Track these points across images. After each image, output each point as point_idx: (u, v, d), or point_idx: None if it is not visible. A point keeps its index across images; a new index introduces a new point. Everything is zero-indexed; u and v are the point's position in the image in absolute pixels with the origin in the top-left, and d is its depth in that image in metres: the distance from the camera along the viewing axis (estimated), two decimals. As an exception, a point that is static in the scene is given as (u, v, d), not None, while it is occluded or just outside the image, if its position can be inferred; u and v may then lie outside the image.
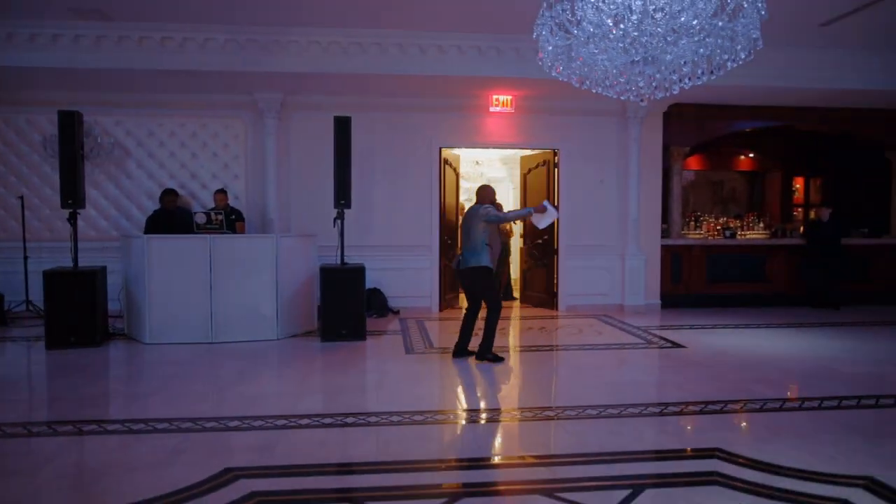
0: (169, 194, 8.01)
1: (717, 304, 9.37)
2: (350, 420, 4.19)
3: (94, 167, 8.25)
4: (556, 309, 9.02)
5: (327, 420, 4.19)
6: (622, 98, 5.27)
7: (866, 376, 5.33)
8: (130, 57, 7.17)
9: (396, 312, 8.69)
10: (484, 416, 4.39)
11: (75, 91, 8.03)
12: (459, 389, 5.08)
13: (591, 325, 7.92)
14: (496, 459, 3.57)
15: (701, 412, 4.39)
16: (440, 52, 7.49)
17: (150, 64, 7.21)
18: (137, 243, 6.71)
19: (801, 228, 10.37)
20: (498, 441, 3.92)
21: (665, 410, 4.42)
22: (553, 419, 4.21)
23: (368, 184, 8.58)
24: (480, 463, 3.48)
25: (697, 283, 9.48)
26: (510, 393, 5.04)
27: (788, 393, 4.96)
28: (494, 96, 8.64)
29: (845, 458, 3.48)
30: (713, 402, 4.56)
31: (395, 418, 4.21)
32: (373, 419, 4.21)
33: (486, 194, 5.97)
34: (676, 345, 6.66)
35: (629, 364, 6.04)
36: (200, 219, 7.03)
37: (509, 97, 8.66)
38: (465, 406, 4.65)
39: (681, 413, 4.38)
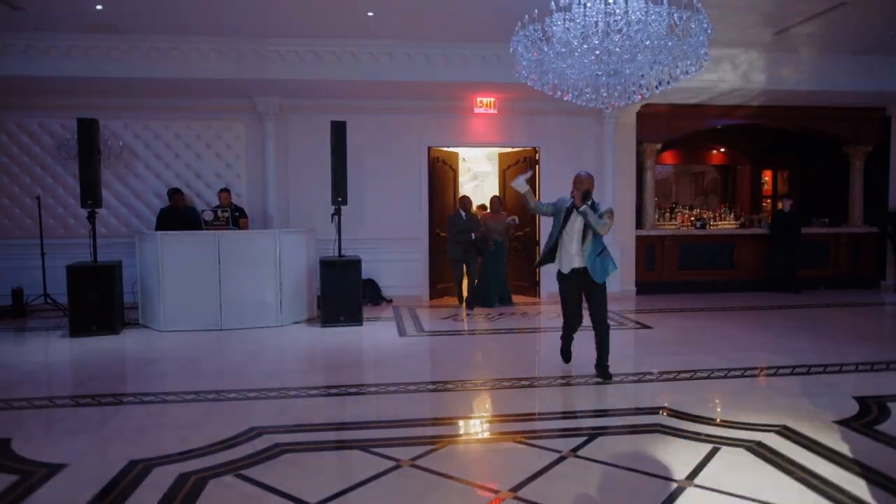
0: (178, 193, 8.59)
1: (689, 290, 10.08)
2: (353, 390, 4.84)
3: (104, 168, 8.77)
4: (538, 297, 9.68)
5: (333, 391, 4.84)
6: (590, 106, 5.95)
7: (805, 350, 6.03)
8: (139, 67, 7.73)
9: (389, 301, 9.33)
10: (469, 385, 5.05)
11: (86, 97, 8.56)
12: (448, 365, 5.74)
13: (570, 310, 8.60)
14: (477, 417, 4.24)
15: (656, 380, 5.08)
16: (427, 60, 8.11)
17: (157, 73, 7.78)
18: (151, 239, 7.32)
19: (769, 218, 11.10)
20: (480, 404, 4.59)
21: (625, 379, 5.11)
22: (527, 387, 4.89)
23: (362, 181, 9.19)
24: (463, 419, 4.14)
25: (670, 270, 10.18)
26: (492, 367, 5.72)
27: (734, 365, 5.67)
28: (479, 98, 9.27)
29: (769, 412, 4.18)
30: (668, 372, 5.26)
31: (391, 388, 4.87)
32: (371, 389, 4.87)
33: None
34: (645, 326, 7.37)
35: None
36: (208, 216, 7.65)
37: (493, 99, 9.30)
38: (452, 378, 5.32)
39: (638, 381, 5.07)
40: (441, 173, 9.75)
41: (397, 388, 4.87)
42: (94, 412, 4.37)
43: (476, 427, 4.13)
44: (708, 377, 5.15)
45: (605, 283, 5.06)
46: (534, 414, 4.19)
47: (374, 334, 7.04)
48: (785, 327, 7.26)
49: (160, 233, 7.32)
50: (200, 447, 3.61)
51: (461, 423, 4.13)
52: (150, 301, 7.45)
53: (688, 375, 5.18)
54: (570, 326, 5.38)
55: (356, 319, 7.46)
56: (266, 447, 3.62)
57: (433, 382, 5.07)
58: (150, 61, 7.73)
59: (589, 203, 5.02)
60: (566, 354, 5.48)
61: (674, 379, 5.10)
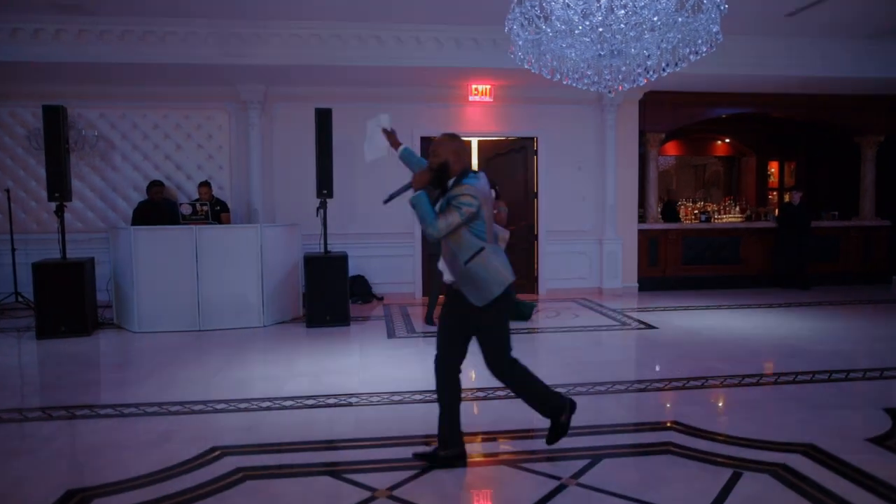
0: (155, 185, 8.13)
1: (693, 287, 9.67)
2: (332, 401, 4.42)
3: (78, 160, 8.35)
4: (536, 293, 9.26)
5: (310, 402, 4.41)
6: (591, 90, 5.50)
7: (824, 353, 5.61)
8: (112, 51, 7.27)
9: (380, 299, 8.90)
10: (460, 395, 4.62)
11: (58, 84, 8.10)
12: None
13: (570, 308, 8.18)
14: (466, 434, 3.81)
15: (663, 389, 4.66)
16: (418, 43, 7.65)
17: (131, 58, 7.32)
18: (124, 235, 6.87)
19: (776, 212, 10.67)
20: (471, 418, 4.16)
21: (630, 388, 4.69)
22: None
23: (351, 173, 8.73)
24: (453, 438, 3.71)
25: (673, 266, 9.76)
26: (485, 374, 5.27)
27: (748, 370, 5.24)
28: (473, 86, 8.81)
29: (792, 428, 3.76)
30: (676, 380, 4.84)
31: (374, 399, 4.44)
32: (353, 400, 4.44)
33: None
34: (649, 326, 6.94)
35: (603, 345, 6.31)
36: (186, 210, 7.20)
37: (488, 87, 8.84)
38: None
39: (644, 390, 4.64)
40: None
41: (381, 399, 4.45)
42: (42, 427, 3.94)
43: (466, 449, 3.70)
44: (721, 385, 4.73)
45: (492, 309, 3.18)
46: (530, 431, 3.77)
47: (362, 336, 6.60)
48: (799, 328, 6.83)
49: (133, 227, 6.87)
50: (151, 472, 3.18)
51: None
52: (124, 300, 7.01)
53: (698, 383, 4.76)
54: (441, 374, 3.33)
55: (343, 320, 7.03)
56: (226, 472, 3.20)
57: (420, 392, 4.64)
58: (124, 45, 7.26)
59: (450, 184, 3.23)
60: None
61: (683, 387, 4.68)
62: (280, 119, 8.71)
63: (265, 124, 8.69)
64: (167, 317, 6.81)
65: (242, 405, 4.30)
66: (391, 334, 6.66)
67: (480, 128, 9.17)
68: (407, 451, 3.44)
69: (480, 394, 4.50)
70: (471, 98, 8.91)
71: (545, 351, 6.03)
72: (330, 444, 3.65)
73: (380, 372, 5.21)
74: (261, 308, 7.08)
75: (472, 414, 4.22)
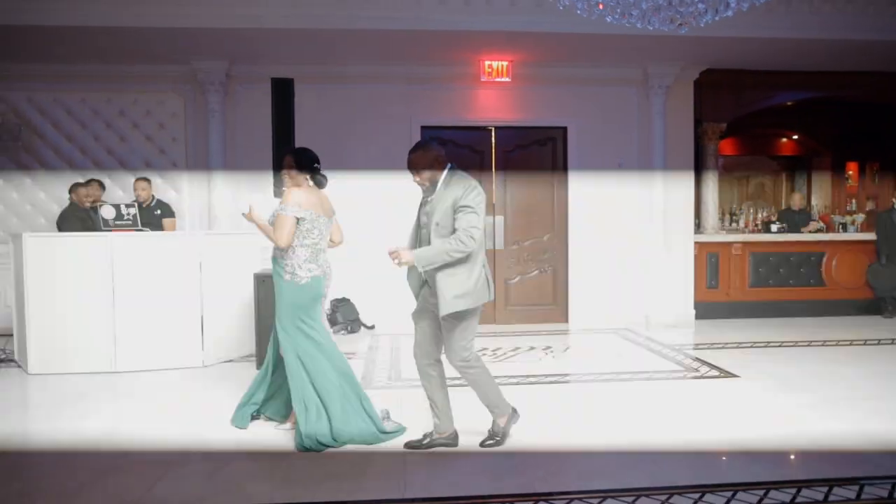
0: (86, 186, 6.50)
1: (763, 314, 7.69)
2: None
3: (0, 154, 6.81)
4: (566, 321, 7.40)
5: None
6: (649, 28, 3.76)
7: None
8: (28, 8, 5.67)
9: (371, 327, 7.13)
10: (442, 505, 2.79)
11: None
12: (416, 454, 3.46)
13: (609, 342, 6.30)
14: None
15: None
16: (414, 0, 5.92)
17: (50, 18, 5.70)
18: (17, 244, 5.22)
19: (853, 221, 8.63)
20: None
21: (735, 500, 2.79)
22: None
23: (332, 169, 7.00)
24: None
25: (738, 288, 7.80)
26: (481, 463, 3.43)
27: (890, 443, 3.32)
28: (487, 62, 7.06)
29: None
30: (816, 483, 2.92)
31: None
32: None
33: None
34: (726, 373, 4.99)
35: (666, 406, 4.36)
36: (107, 213, 5.50)
37: (505, 63, 7.07)
38: (422, 493, 3.04)
39: None
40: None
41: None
42: None
43: None
44: (858, 498, 2.82)
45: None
46: None
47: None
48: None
49: (26, 235, 5.19)
50: None
51: None
52: (21, 331, 5.34)
53: (851, 491, 2.84)
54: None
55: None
56: None
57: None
58: (34, 1, 5.66)
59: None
60: None
61: (808, 485, 2.78)
62: (245, 105, 7.02)
63: (228, 111, 7.03)
64: (72, 353, 5.11)
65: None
66: (369, 382, 4.84)
67: (496, 115, 7.38)
68: None
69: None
70: (483, 78, 7.15)
71: (577, 412, 4.15)
72: None
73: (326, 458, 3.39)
74: (199, 342, 5.35)
75: None
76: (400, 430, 3.60)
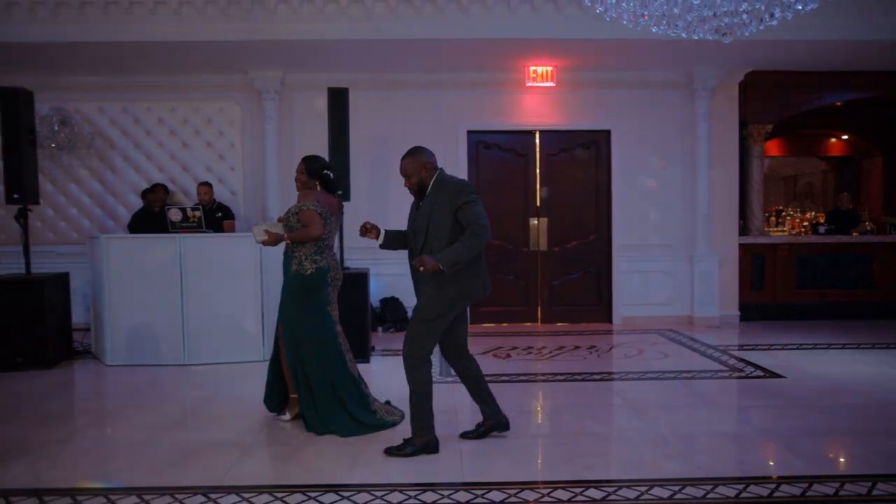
0: (154, 192, 6.95)
1: (810, 316, 7.64)
2: (313, 493, 2.88)
3: (73, 160, 7.29)
4: (610, 322, 7.51)
5: (296, 493, 2.89)
6: (694, 37, 3.89)
7: None
8: (91, 30, 6.03)
9: (418, 325, 7.37)
10: (508, 489, 2.99)
11: (51, 75, 7.05)
12: (456, 453, 3.67)
13: (654, 343, 6.39)
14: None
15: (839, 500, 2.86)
16: (460, 9, 6.13)
17: (115, 35, 6.05)
18: (97, 245, 5.64)
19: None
20: None
21: (778, 494, 2.92)
22: (598, 502, 2.79)
23: (383, 174, 7.25)
24: None
25: (785, 289, 7.77)
26: (532, 452, 3.62)
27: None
28: (532, 68, 7.22)
29: None
30: (855, 478, 3.02)
31: (377, 491, 2.87)
32: (348, 492, 2.89)
33: None
34: (771, 373, 5.06)
35: (713, 404, 4.45)
36: (175, 216, 5.89)
37: (549, 68, 7.23)
38: (481, 477, 3.24)
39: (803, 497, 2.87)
40: (497, 163, 7.64)
41: (384, 491, 2.88)
42: None
43: None
44: (922, 491, 2.90)
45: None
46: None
47: (383, 377, 5.06)
48: None
49: (105, 236, 5.60)
50: None
51: None
52: (99, 325, 5.76)
53: (867, 485, 2.94)
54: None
55: (361, 354, 5.50)
56: None
57: (431, 486, 3.04)
58: (108, 21, 6.06)
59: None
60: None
61: (852, 480, 2.88)
62: (300, 111, 7.37)
63: (283, 117, 7.38)
64: (145, 347, 5.51)
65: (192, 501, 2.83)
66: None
67: (540, 119, 7.54)
68: None
69: (547, 489, 2.85)
70: (528, 83, 7.31)
71: (624, 411, 4.29)
72: None
73: (394, 441, 3.63)
74: (260, 338, 5.68)
75: None
76: (388, 424, 3.80)
